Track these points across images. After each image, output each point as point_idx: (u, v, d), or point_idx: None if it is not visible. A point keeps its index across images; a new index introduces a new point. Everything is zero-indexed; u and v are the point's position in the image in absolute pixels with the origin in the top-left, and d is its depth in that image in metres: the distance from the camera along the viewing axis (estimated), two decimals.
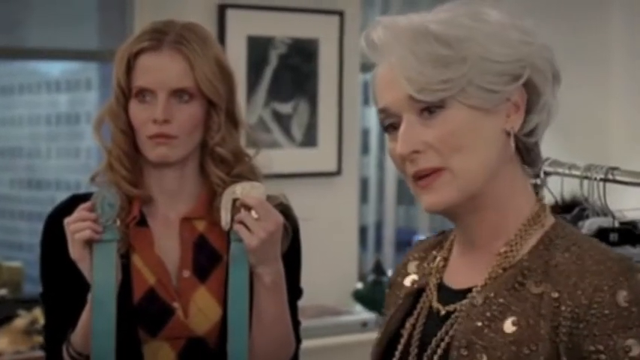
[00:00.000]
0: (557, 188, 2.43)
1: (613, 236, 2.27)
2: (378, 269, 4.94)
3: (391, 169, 5.70)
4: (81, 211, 2.02)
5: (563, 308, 1.41)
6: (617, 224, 2.30)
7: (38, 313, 3.85)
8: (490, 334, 1.44)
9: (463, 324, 1.48)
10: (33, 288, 4.60)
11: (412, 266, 1.67)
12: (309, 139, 4.65)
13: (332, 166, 4.73)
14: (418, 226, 5.68)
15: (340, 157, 4.74)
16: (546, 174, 2.46)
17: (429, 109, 1.46)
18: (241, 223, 2.01)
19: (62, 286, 2.14)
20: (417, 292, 1.62)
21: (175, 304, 2.13)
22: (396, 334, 1.60)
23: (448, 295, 1.55)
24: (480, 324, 1.46)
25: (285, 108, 4.59)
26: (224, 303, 2.12)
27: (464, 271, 1.55)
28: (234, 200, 2.04)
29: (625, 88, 5.38)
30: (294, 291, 2.23)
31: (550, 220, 1.52)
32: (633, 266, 1.44)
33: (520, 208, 1.52)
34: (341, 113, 4.73)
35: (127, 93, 2.14)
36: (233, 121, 2.19)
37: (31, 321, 3.85)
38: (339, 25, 4.67)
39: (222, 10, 4.40)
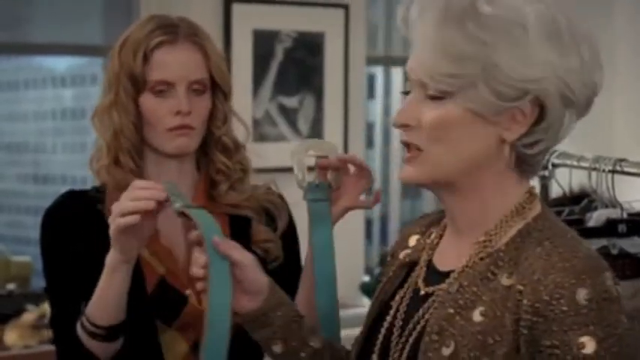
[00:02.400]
0: (565, 180, 2.44)
1: (621, 227, 2.28)
2: (384, 262, 4.95)
3: (396, 163, 5.70)
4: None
5: (524, 302, 1.43)
6: (625, 215, 2.31)
7: (47, 308, 3.85)
8: (460, 322, 1.47)
9: (437, 310, 1.51)
10: (41, 282, 4.62)
11: (413, 240, 1.71)
12: (316, 133, 4.66)
13: None
14: None
15: (346, 150, 4.75)
16: (554, 166, 2.48)
17: (432, 96, 1.50)
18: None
19: (67, 278, 2.13)
20: (409, 266, 1.66)
21: (188, 292, 2.13)
22: (386, 305, 1.64)
23: (433, 274, 1.59)
24: (452, 311, 1.49)
25: (291, 102, 4.61)
26: None
27: (450, 253, 1.58)
28: (316, 158, 2.00)
29: (629, 82, 5.39)
30: (298, 269, 2.26)
31: (535, 212, 1.54)
32: (600, 266, 1.45)
33: (504, 202, 1.53)
34: (347, 107, 4.74)
35: (140, 86, 2.14)
36: (230, 111, 2.24)
37: (40, 315, 3.86)
38: (345, 19, 4.68)
39: (227, 4, 4.41)
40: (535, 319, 1.42)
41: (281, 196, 2.29)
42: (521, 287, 1.44)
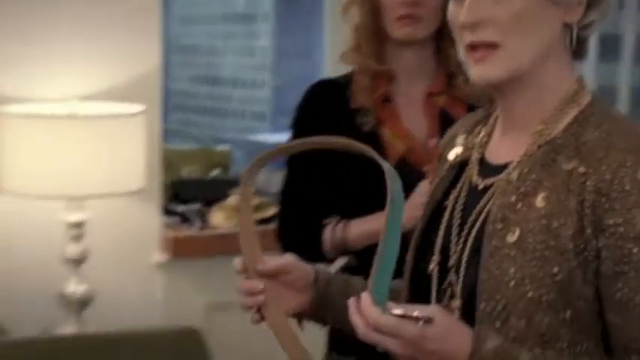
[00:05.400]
0: None
1: None
2: None
3: None
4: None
5: (588, 183, 1.44)
6: None
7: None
8: (523, 209, 1.48)
9: (499, 199, 1.52)
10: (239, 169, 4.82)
11: (460, 139, 1.70)
12: None
13: None
14: None
15: None
16: None
17: None
18: None
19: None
20: (460, 165, 1.66)
21: (426, 168, 2.29)
22: (439, 205, 1.66)
23: (488, 169, 1.59)
24: (514, 199, 1.50)
25: None
26: None
27: (504, 148, 1.59)
28: None
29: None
30: None
31: (587, 99, 1.55)
32: None
33: (559, 90, 1.54)
34: None
35: None
36: None
37: None
38: None
39: None
40: (598, 198, 1.43)
41: None
42: (583, 169, 1.46)
